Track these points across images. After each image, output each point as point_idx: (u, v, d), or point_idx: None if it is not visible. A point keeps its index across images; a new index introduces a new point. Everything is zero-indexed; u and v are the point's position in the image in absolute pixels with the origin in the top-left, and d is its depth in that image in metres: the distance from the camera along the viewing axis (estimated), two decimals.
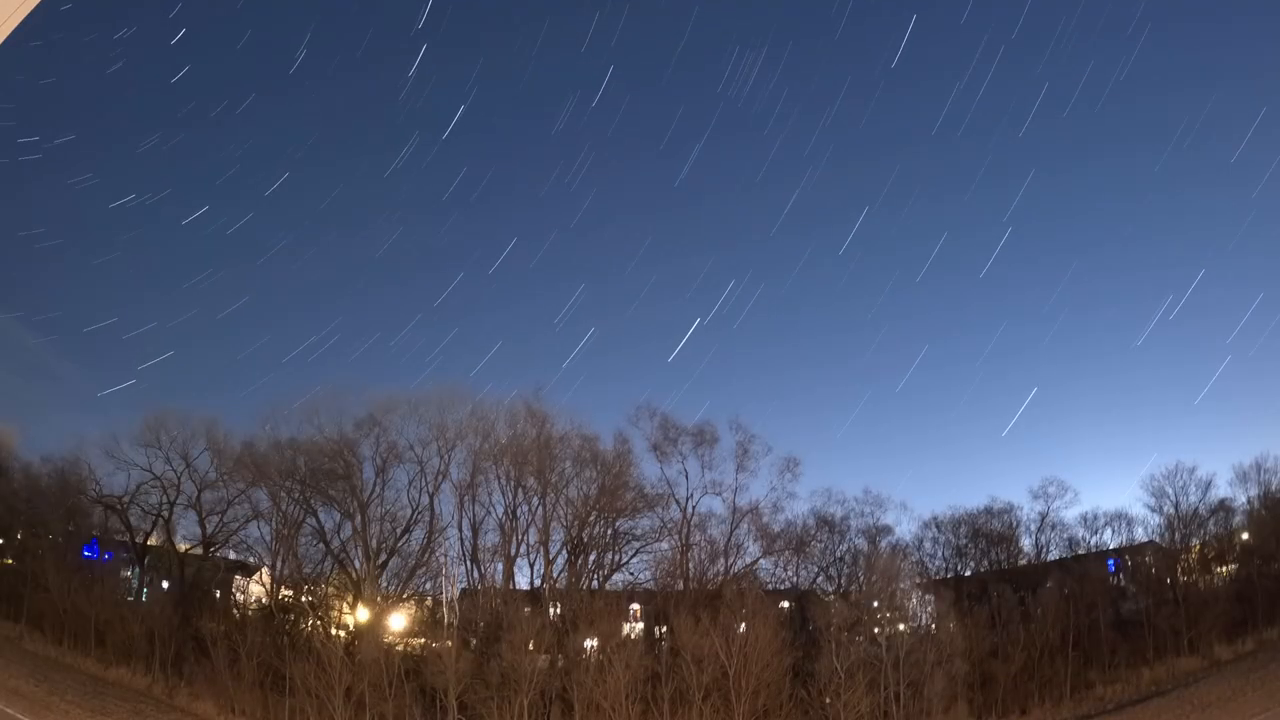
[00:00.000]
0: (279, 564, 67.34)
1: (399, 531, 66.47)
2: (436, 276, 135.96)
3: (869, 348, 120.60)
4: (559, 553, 66.61)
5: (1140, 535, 72.58)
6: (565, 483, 67.10)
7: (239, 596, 70.36)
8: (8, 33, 12.04)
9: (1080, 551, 72.02)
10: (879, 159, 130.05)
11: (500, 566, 66.30)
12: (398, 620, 65.03)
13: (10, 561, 69.87)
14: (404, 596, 66.80)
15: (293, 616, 64.92)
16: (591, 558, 67.48)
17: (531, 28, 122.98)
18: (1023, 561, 72.69)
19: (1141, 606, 68.81)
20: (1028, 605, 67.00)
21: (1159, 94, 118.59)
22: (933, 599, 66.93)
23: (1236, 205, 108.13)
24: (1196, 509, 71.18)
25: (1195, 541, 71.96)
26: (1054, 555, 72.49)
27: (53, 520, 68.66)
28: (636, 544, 68.40)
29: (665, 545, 68.43)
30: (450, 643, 58.29)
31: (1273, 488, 71.60)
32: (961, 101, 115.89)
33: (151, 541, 69.95)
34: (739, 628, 56.89)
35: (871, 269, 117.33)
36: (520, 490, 66.79)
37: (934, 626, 63.64)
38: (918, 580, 69.95)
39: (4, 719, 46.52)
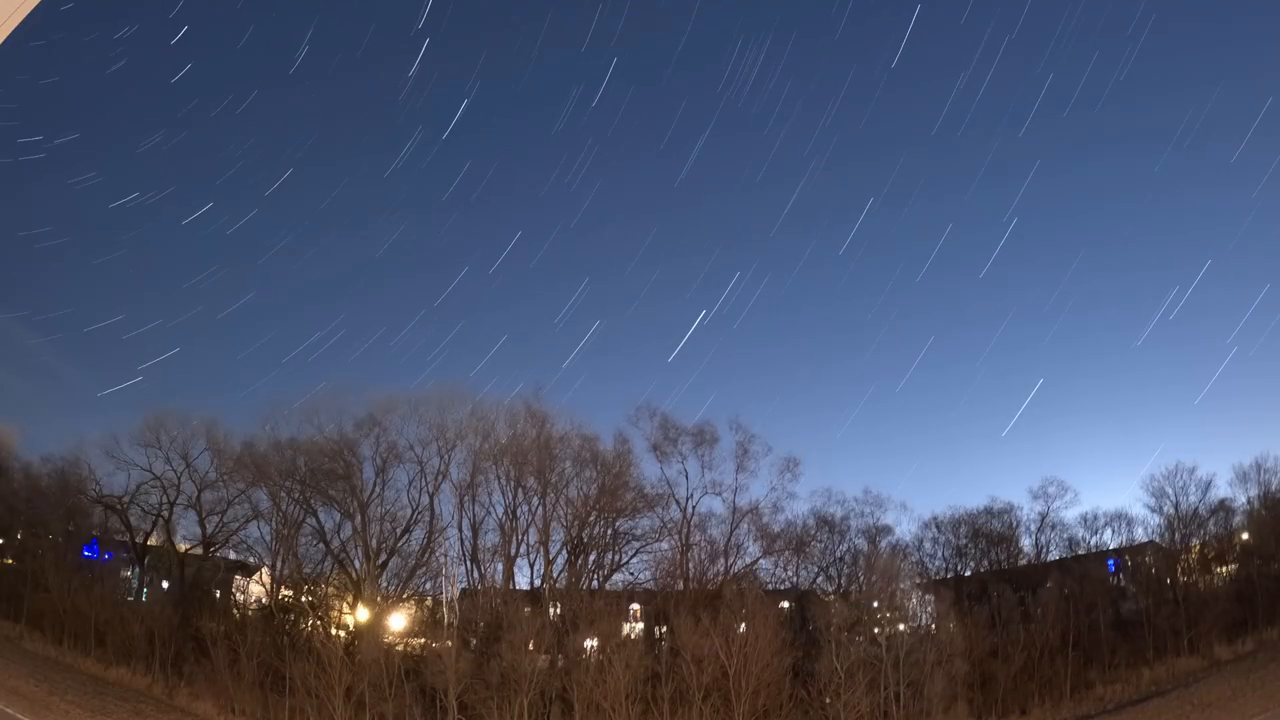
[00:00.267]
0: (279, 564, 67.37)
1: (399, 531, 66.56)
2: (437, 276, 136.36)
3: (869, 348, 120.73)
4: (559, 553, 66.74)
5: (1140, 535, 72.70)
6: (565, 483, 67.20)
7: (239, 596, 70.36)
8: (8, 32, 12.06)
9: (1080, 551, 72.01)
10: (879, 158, 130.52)
11: (500, 566, 66.42)
12: (398, 620, 65.00)
13: (10, 561, 69.87)
14: (404, 596, 66.79)
15: (293, 616, 64.92)
16: (591, 558, 67.54)
17: (532, 27, 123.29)
18: (1023, 561, 72.66)
19: (1141, 606, 68.77)
20: (1028, 605, 66.95)
21: (1159, 94, 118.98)
22: (933, 599, 66.93)
23: (1236, 205, 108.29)
24: (1196, 509, 71.24)
25: (1195, 541, 71.94)
26: (1054, 555, 72.54)
27: (53, 520, 68.65)
28: (636, 544, 68.51)
29: (665, 545, 68.55)
30: (450, 643, 58.27)
31: (1273, 488, 71.65)
32: (961, 101, 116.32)
33: (151, 541, 69.97)
34: (739, 628, 56.84)
35: (872, 268, 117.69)
36: (520, 490, 66.90)
37: (934, 626, 63.64)
38: (918, 580, 69.97)
39: (4, 719, 46.50)
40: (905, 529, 72.25)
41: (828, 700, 54.78)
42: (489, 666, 55.15)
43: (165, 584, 69.31)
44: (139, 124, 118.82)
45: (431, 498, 66.45)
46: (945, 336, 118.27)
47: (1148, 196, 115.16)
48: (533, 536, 66.34)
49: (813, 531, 70.32)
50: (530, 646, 56.04)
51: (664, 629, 63.65)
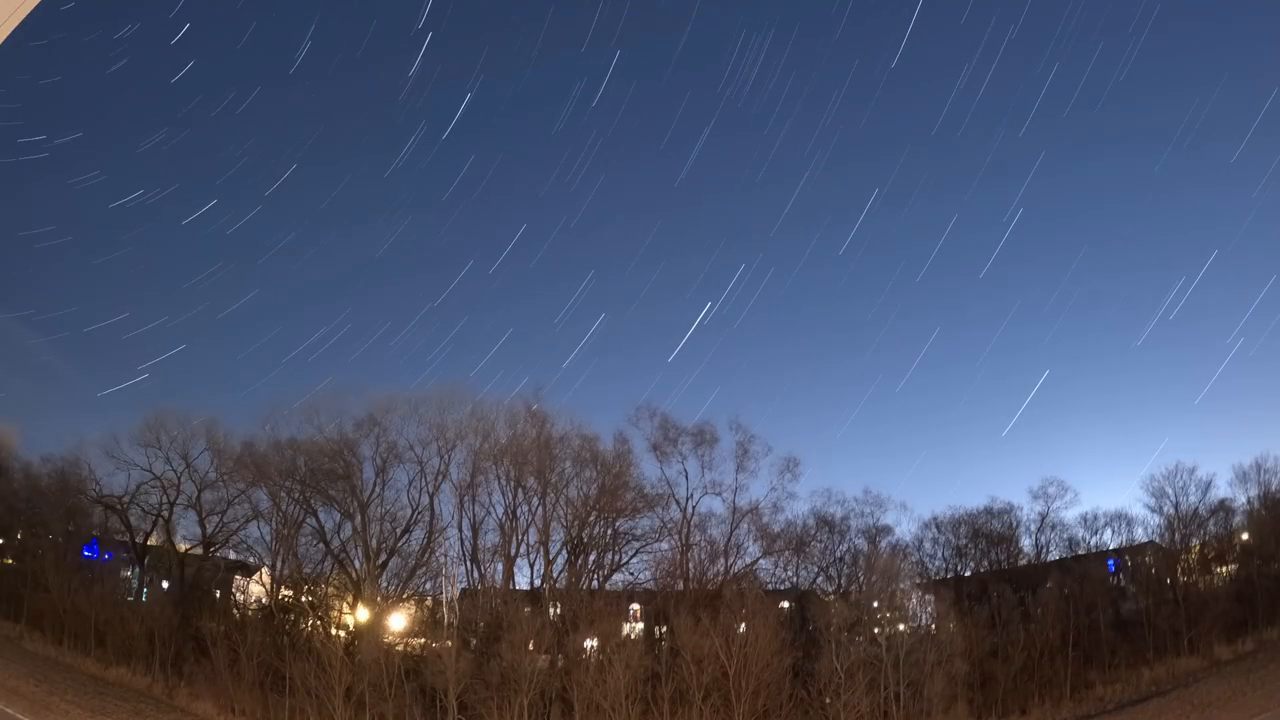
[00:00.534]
0: (279, 564, 67.37)
1: (399, 531, 66.57)
2: (437, 276, 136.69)
3: (869, 348, 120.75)
4: (559, 553, 66.75)
5: (1140, 535, 72.70)
6: (565, 483, 67.22)
7: (239, 596, 70.36)
8: (9, 32, 12.06)
9: (1080, 552, 71.99)
10: (879, 158, 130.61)
11: (500, 566, 66.43)
12: (398, 620, 64.99)
13: (10, 561, 69.91)
14: (404, 596, 66.79)
15: (293, 616, 64.90)
16: (591, 558, 67.54)
17: (532, 26, 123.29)
18: (1023, 562, 72.62)
19: (1141, 606, 68.77)
20: (1028, 605, 66.96)
21: (1159, 94, 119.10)
22: (933, 599, 66.98)
23: (1237, 205, 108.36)
24: (1196, 509, 71.26)
25: (1195, 542, 71.95)
26: (1054, 555, 72.51)
27: (53, 520, 68.69)
28: (636, 544, 68.52)
29: (665, 545, 68.58)
30: (450, 643, 58.27)
31: (1273, 488, 71.69)
32: (962, 101, 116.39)
33: (151, 541, 69.98)
34: (739, 628, 56.85)
35: (872, 268, 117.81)
36: (520, 490, 66.92)
37: (934, 626, 63.69)
38: (918, 580, 70.00)
39: (4, 719, 46.50)
40: (905, 529, 72.41)
41: (828, 700, 54.77)
42: (489, 666, 55.13)
43: (165, 584, 69.32)
44: (140, 123, 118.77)
45: (431, 498, 66.59)
46: (945, 336, 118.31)
47: (1148, 196, 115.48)
48: (533, 536, 66.51)
49: (813, 531, 70.42)
50: (530, 646, 56.04)
51: (664, 629, 63.65)
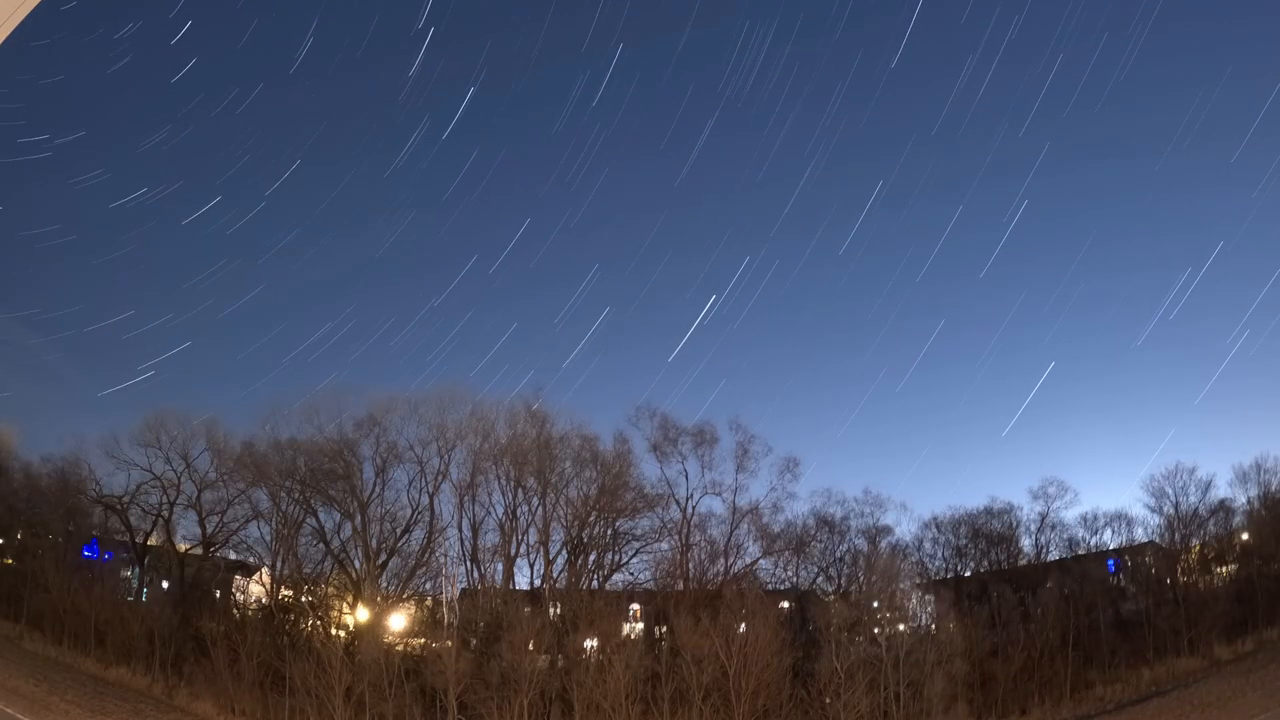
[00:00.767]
0: (279, 564, 67.39)
1: (399, 531, 66.62)
2: (438, 275, 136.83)
3: (869, 347, 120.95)
4: (559, 553, 66.78)
5: (1140, 535, 72.68)
6: (565, 483, 67.25)
7: (239, 596, 70.36)
8: (9, 32, 12.07)
9: (1080, 552, 72.01)
10: (880, 158, 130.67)
11: (500, 566, 66.47)
12: (398, 620, 64.99)
13: (10, 561, 69.87)
14: (404, 596, 66.79)
15: (293, 616, 64.93)
16: (591, 558, 67.55)
17: (533, 25, 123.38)
18: (1023, 562, 72.61)
19: (1141, 607, 68.78)
20: (1027, 605, 66.99)
21: (1159, 94, 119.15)
22: (932, 599, 67.00)
23: (1237, 205, 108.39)
24: (1196, 509, 71.26)
25: (1195, 542, 71.95)
26: (1054, 555, 72.50)
27: (53, 520, 68.68)
28: (636, 544, 68.57)
29: (665, 545, 68.63)
30: (450, 643, 58.26)
31: (1273, 488, 71.70)
32: (962, 101, 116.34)
33: (151, 541, 70.00)
34: (739, 628, 56.85)
35: (872, 268, 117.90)
36: (520, 490, 66.95)
37: (934, 626, 63.69)
38: (917, 580, 69.99)
39: (4, 719, 46.49)
40: (905, 529, 72.45)
41: (828, 700, 54.76)
42: (489, 666, 55.14)
43: (165, 584, 69.33)
44: (141, 123, 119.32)
45: (431, 498, 66.62)
46: (945, 336, 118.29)
47: (1148, 196, 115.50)
48: (533, 536, 66.56)
49: (813, 531, 70.44)
50: (530, 646, 56.03)
51: (664, 629, 63.64)
